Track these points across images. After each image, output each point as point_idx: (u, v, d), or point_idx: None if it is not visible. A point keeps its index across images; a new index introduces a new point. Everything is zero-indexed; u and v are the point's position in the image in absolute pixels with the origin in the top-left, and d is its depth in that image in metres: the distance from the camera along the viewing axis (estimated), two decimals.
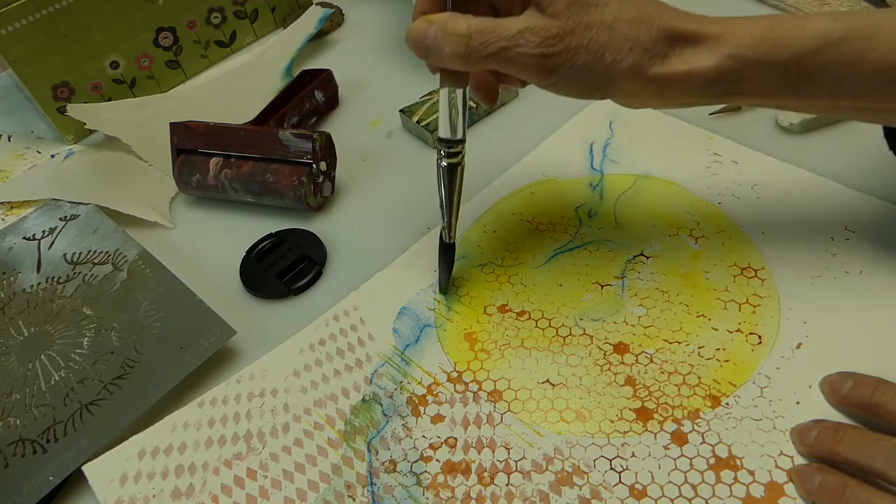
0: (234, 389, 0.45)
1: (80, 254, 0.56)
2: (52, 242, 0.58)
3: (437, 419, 0.41)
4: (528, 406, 0.40)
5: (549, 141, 0.56)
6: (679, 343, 0.41)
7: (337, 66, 0.68)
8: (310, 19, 0.77)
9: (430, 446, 0.40)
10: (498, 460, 0.38)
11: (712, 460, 0.36)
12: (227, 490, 0.40)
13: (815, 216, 0.46)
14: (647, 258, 0.46)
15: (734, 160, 0.51)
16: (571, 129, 0.57)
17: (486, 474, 0.38)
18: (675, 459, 0.37)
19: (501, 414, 0.40)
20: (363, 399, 0.43)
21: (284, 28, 0.80)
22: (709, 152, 0.52)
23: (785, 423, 0.37)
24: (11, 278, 0.56)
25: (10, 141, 0.75)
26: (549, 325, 0.44)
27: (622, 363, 0.41)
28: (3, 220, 0.64)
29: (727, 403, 0.38)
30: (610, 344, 0.42)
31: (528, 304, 0.45)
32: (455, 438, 0.40)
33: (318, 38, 0.78)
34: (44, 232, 0.60)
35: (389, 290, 0.48)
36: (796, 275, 0.43)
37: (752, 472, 0.35)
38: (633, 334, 0.42)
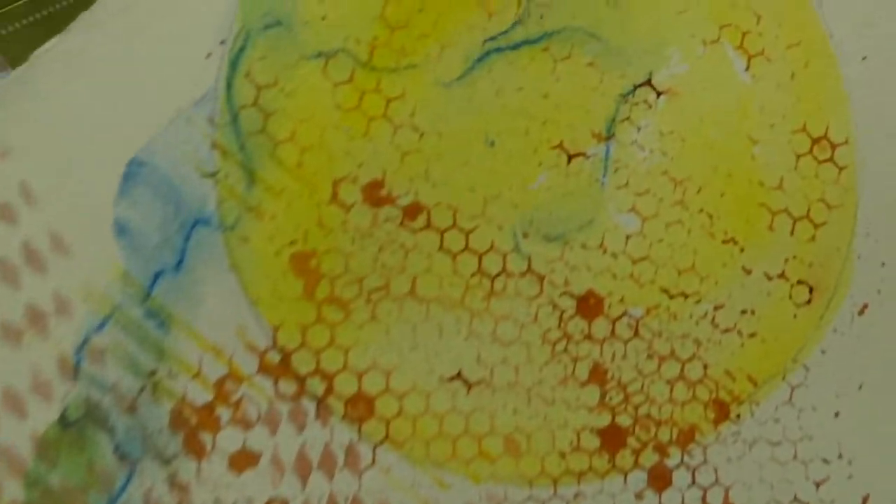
0: None
1: None
2: None
3: (240, 460, 0.21)
4: (423, 429, 0.22)
5: None
6: (686, 297, 0.23)
7: None
8: None
9: None
10: None
11: None
12: None
13: None
14: (659, 94, 0.23)
15: None
16: None
17: None
18: None
19: (373, 446, 0.21)
20: (63, 419, 0.20)
21: None
22: None
23: (811, 449, 0.24)
24: None
25: None
26: (466, 246, 0.22)
27: (588, 337, 0.23)
28: None
29: (738, 416, 0.24)
30: (572, 295, 0.23)
31: (426, 188, 0.22)
32: (284, 501, 0.21)
33: None
34: None
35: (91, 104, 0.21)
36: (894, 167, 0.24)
37: None
38: (614, 275, 0.23)
